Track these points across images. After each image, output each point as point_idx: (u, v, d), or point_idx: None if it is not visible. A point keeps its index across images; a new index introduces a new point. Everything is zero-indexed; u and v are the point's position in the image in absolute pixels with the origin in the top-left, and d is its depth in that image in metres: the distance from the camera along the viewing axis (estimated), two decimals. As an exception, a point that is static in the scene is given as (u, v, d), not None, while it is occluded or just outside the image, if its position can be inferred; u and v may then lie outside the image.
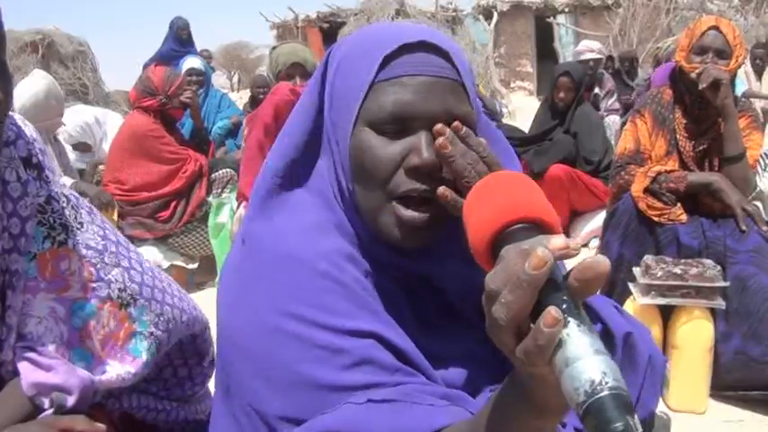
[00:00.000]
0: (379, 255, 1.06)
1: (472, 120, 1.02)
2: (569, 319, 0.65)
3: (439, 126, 0.96)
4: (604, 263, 0.67)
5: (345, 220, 1.07)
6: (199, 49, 9.95)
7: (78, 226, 1.22)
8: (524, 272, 0.65)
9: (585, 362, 0.63)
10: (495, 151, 1.04)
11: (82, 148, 5.13)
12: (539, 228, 0.74)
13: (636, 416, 0.62)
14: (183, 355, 1.42)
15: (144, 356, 1.25)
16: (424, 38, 1.01)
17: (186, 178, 4.61)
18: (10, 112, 1.15)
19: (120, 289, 1.24)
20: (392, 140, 1.00)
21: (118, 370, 1.23)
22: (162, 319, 1.28)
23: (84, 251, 1.21)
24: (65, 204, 1.21)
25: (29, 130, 1.20)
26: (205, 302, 4.39)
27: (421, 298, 1.09)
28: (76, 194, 1.28)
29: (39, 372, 1.16)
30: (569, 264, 0.74)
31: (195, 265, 4.64)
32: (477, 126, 1.05)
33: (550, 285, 0.67)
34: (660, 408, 1.37)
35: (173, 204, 4.60)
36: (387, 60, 1.00)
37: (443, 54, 1.01)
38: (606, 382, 0.61)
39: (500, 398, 0.83)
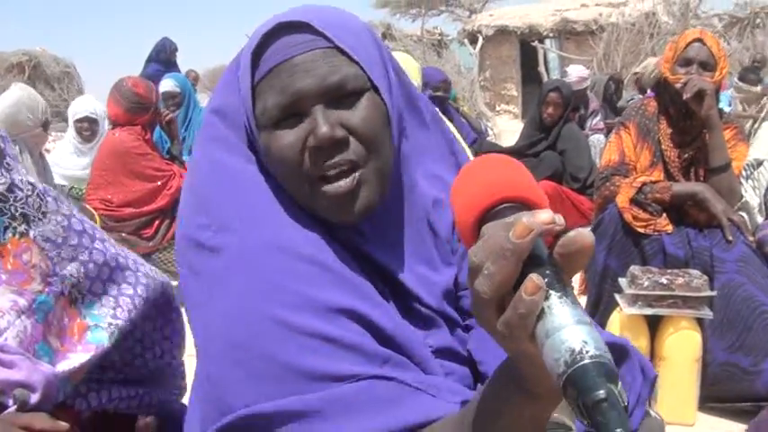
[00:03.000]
0: (346, 240, 1.04)
1: (360, 79, 0.99)
2: (551, 292, 0.63)
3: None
4: (588, 235, 0.65)
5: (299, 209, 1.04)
6: (185, 70, 9.92)
7: (41, 216, 1.17)
8: (508, 240, 0.63)
9: (566, 331, 0.61)
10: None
11: (91, 128, 5.00)
12: (525, 207, 0.72)
13: (620, 384, 0.59)
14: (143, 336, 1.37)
15: (106, 343, 1.21)
16: (280, 20, 1.00)
17: (171, 195, 4.54)
18: None
19: (72, 284, 1.19)
20: (291, 128, 0.98)
21: (81, 359, 1.18)
22: (120, 309, 1.24)
23: (42, 243, 1.16)
24: (29, 192, 1.17)
25: None
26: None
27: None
28: (44, 184, 1.23)
29: (0, 369, 1.11)
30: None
31: (177, 282, 4.57)
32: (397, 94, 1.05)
33: (534, 261, 0.66)
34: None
35: (156, 222, 4.54)
36: (257, 57, 1.00)
37: (306, 28, 0.99)
38: (587, 351, 0.59)
39: (491, 386, 0.80)
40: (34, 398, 1.12)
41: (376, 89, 1.01)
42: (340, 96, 0.98)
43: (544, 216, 0.65)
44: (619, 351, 1.08)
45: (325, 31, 0.99)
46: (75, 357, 1.19)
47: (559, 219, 0.66)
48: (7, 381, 1.11)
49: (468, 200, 0.75)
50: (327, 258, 0.98)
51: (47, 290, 1.16)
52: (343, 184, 0.97)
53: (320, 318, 0.92)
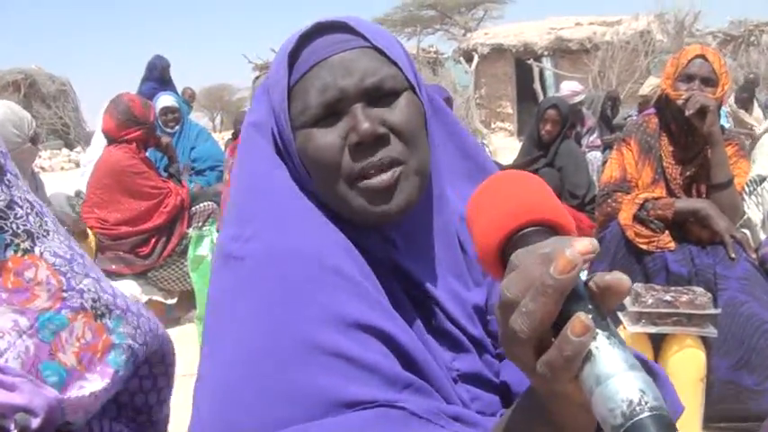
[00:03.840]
0: (376, 250, 1.01)
1: (398, 78, 0.99)
2: (598, 331, 0.59)
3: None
4: (626, 280, 0.61)
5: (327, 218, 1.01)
6: (182, 88, 9.91)
7: (44, 233, 1.14)
8: (549, 276, 0.59)
9: (620, 379, 0.56)
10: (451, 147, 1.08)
11: None
12: (551, 230, 0.69)
13: None
14: (150, 369, 1.32)
15: (121, 370, 1.17)
16: (319, 21, 1.00)
17: (167, 213, 4.53)
18: None
19: (93, 299, 1.15)
20: (330, 127, 0.97)
21: (94, 387, 1.13)
22: (139, 331, 1.20)
23: (52, 259, 1.13)
24: (29, 210, 1.13)
25: None
26: (183, 338, 4.23)
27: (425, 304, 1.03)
28: (41, 202, 1.20)
29: (0, 391, 1.08)
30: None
31: (174, 300, 4.54)
32: (422, 93, 1.03)
33: (572, 295, 0.61)
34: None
35: (153, 240, 4.51)
36: (294, 59, 0.99)
37: (343, 28, 0.99)
38: (646, 402, 0.55)
39: (513, 417, 0.76)
40: (35, 423, 1.08)
41: (413, 89, 1.00)
42: (379, 96, 0.97)
43: (584, 245, 0.60)
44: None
45: (363, 31, 0.99)
46: (92, 378, 1.14)
47: (596, 245, 0.62)
48: (8, 404, 1.07)
49: (489, 222, 0.71)
50: (353, 270, 0.94)
51: (59, 306, 1.12)
52: (385, 177, 0.95)
53: (342, 334, 0.88)
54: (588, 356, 0.58)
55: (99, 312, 1.15)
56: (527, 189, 0.73)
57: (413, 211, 1.00)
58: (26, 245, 1.12)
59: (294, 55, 0.99)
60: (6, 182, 1.12)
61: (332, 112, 0.97)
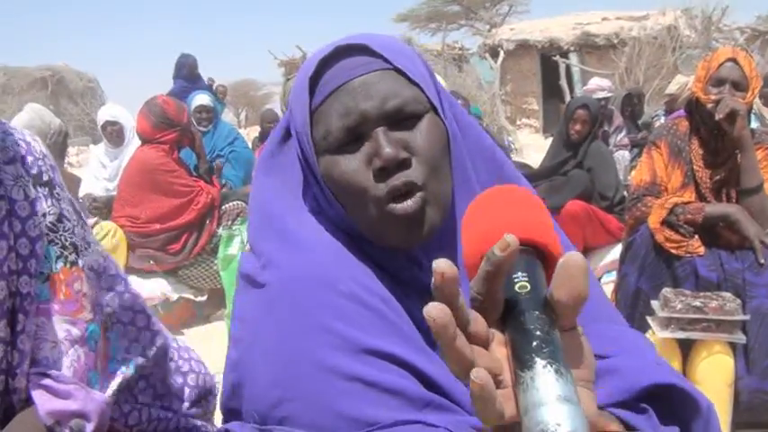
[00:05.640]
0: (401, 270, 1.02)
1: (420, 100, 0.99)
2: (536, 358, 0.58)
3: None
4: (583, 296, 0.61)
5: (352, 241, 1.03)
6: (215, 84, 9.97)
7: (86, 245, 1.18)
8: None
9: (544, 410, 0.55)
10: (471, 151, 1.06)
11: (114, 130, 5.16)
12: (538, 251, 0.70)
13: None
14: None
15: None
16: (339, 44, 0.99)
17: (198, 210, 4.59)
18: (15, 129, 1.13)
19: (108, 313, 1.20)
20: (353, 153, 0.98)
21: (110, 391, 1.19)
22: (135, 345, 1.24)
23: (88, 272, 1.18)
24: (75, 223, 1.18)
25: (38, 145, 1.17)
26: (212, 335, 4.26)
27: None
28: (84, 210, 1.25)
29: (55, 400, 1.12)
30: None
31: (204, 298, 4.60)
32: (446, 111, 1.03)
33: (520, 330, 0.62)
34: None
35: (184, 237, 4.58)
36: (315, 83, 1.00)
37: (363, 50, 0.99)
38: None
39: None
40: (89, 427, 1.13)
41: (434, 110, 1.00)
42: (401, 118, 0.97)
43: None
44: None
45: (383, 52, 0.99)
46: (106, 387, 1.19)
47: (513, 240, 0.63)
48: (64, 411, 1.12)
49: (477, 235, 0.72)
50: (371, 295, 0.95)
51: (96, 318, 1.17)
52: (412, 203, 0.95)
53: (358, 359, 0.90)
54: (521, 385, 0.58)
55: (108, 326, 1.21)
56: (519, 206, 0.73)
57: (441, 228, 1.00)
58: (72, 257, 1.16)
59: (315, 79, 1.00)
60: (56, 195, 1.17)
61: (354, 137, 0.97)
